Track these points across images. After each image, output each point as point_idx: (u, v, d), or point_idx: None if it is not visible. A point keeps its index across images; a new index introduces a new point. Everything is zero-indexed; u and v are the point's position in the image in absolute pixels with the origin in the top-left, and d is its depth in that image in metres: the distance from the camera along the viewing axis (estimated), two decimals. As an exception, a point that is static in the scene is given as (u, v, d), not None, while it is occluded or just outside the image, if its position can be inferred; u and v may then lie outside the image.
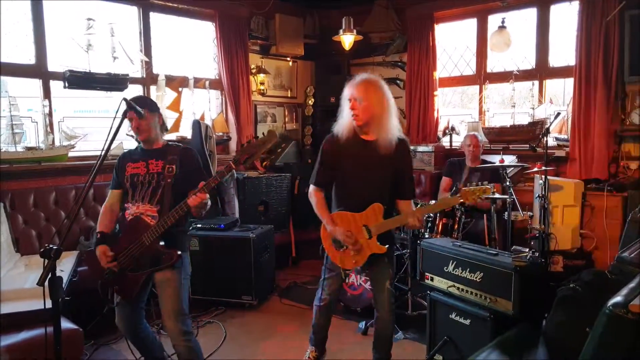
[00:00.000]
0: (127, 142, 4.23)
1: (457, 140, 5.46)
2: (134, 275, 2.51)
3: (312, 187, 2.85)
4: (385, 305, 2.83)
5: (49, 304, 1.85)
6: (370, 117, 2.65)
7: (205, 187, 2.38)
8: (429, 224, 3.96)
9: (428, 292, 3.17)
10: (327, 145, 2.83)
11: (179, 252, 2.51)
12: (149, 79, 4.82)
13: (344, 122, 2.75)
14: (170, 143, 2.71)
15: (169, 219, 2.42)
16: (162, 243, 2.47)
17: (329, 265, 2.89)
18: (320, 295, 2.96)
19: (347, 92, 2.70)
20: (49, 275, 1.82)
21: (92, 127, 4.58)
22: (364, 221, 2.71)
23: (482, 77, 5.40)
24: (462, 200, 2.64)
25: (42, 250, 1.84)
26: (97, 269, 2.55)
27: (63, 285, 1.91)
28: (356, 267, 2.87)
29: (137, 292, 2.54)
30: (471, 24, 5.50)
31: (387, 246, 2.74)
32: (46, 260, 1.83)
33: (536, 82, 5.02)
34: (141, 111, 2.43)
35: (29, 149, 3.99)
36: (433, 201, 4.08)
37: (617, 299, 1.58)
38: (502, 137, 5.04)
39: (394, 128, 2.73)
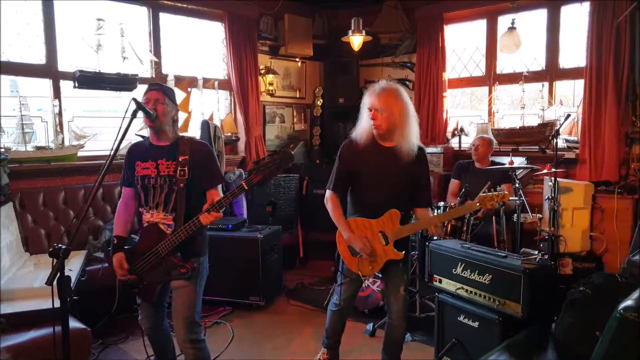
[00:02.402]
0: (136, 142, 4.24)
1: (466, 142, 5.43)
2: (152, 282, 2.50)
3: (328, 193, 2.82)
4: (400, 313, 2.83)
5: (57, 303, 1.85)
6: (392, 126, 2.65)
7: (217, 206, 2.34)
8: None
9: (436, 294, 3.16)
10: (345, 151, 2.81)
11: (194, 264, 2.47)
12: (158, 79, 4.83)
13: (363, 128, 2.74)
14: (181, 137, 2.59)
15: (182, 232, 2.38)
16: (178, 253, 2.44)
17: (344, 271, 2.87)
18: (335, 300, 2.95)
19: (368, 101, 2.68)
20: (58, 275, 1.82)
21: (102, 126, 4.61)
22: (380, 227, 2.71)
23: (491, 78, 5.37)
24: (480, 206, 2.64)
25: (51, 249, 1.84)
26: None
27: (71, 285, 1.91)
28: (373, 273, 2.85)
29: (155, 296, 2.52)
30: (481, 25, 5.47)
31: (403, 252, 2.72)
32: (55, 260, 1.83)
33: (546, 84, 4.98)
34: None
35: (38, 148, 4.02)
36: (441, 203, 4.05)
37: (628, 302, 1.56)
38: (511, 139, 5.01)
39: (414, 136, 2.72)
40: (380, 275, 3.20)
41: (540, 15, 5.04)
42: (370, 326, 3.80)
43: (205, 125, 4.86)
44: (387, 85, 2.71)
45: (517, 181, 3.93)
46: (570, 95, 5.15)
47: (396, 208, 2.69)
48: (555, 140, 3.89)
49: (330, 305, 3.01)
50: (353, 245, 2.70)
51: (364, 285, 4.00)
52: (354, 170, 2.77)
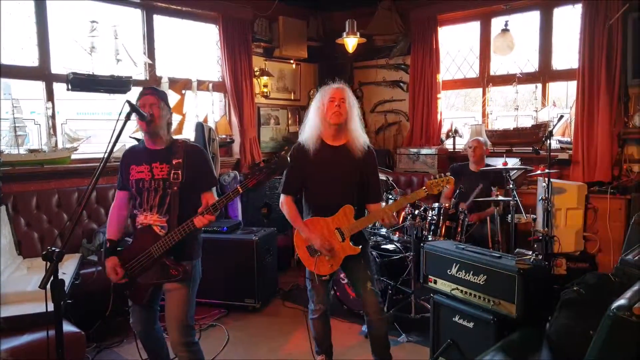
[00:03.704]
0: (130, 144, 4.22)
1: (460, 143, 5.45)
2: (144, 284, 2.50)
3: (283, 197, 2.91)
4: (374, 307, 2.85)
5: (51, 307, 1.84)
6: (347, 119, 2.76)
7: (212, 209, 2.35)
8: (432, 227, 3.95)
9: (431, 295, 3.16)
10: (297, 155, 2.86)
11: (187, 267, 2.47)
12: (153, 82, 4.82)
13: (312, 128, 2.83)
14: (175, 140, 2.60)
15: (176, 235, 2.38)
16: (172, 256, 2.44)
17: (309, 275, 2.91)
18: (312, 307, 2.97)
19: (326, 95, 2.77)
20: (51, 278, 1.81)
21: (95, 129, 4.59)
22: (336, 224, 2.78)
23: (485, 79, 5.39)
24: (427, 192, 2.73)
25: (44, 252, 1.83)
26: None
27: (65, 288, 1.90)
28: (332, 272, 2.87)
29: (147, 298, 2.52)
30: (474, 26, 5.50)
31: (360, 246, 2.80)
32: (48, 263, 1.82)
33: (539, 85, 5.01)
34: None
35: (31, 151, 4.00)
36: (435, 204, 4.06)
37: (621, 301, 1.57)
38: (505, 140, 5.04)
39: (363, 132, 2.87)
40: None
41: (533, 17, 5.07)
42: (365, 327, 3.80)
43: (200, 127, 4.85)
44: (340, 83, 2.86)
45: (511, 182, 3.94)
46: (564, 97, 5.18)
47: (349, 204, 2.77)
48: (548, 141, 3.92)
49: (310, 314, 3.03)
50: (312, 243, 2.76)
51: (343, 281, 4.00)
52: (307, 172, 2.85)
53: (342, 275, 3.93)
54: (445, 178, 2.75)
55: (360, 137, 2.82)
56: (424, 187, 2.76)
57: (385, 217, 2.76)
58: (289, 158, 2.39)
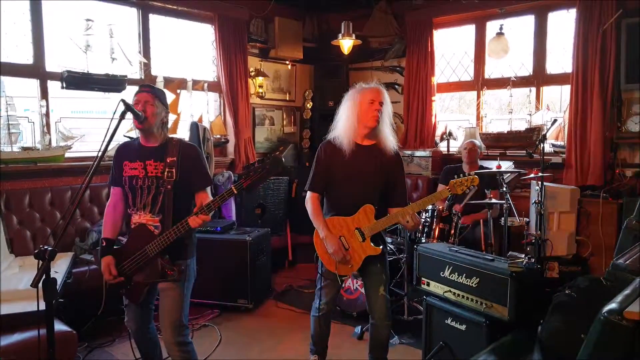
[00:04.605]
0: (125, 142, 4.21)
1: (455, 146, 5.47)
2: (139, 283, 2.49)
3: (309, 194, 2.86)
4: (382, 313, 2.82)
5: (42, 306, 1.83)
6: (383, 121, 2.74)
7: (207, 209, 2.34)
8: (426, 229, 3.96)
9: (424, 297, 3.17)
10: (325, 151, 2.84)
11: (182, 267, 2.46)
12: (148, 81, 4.80)
13: (344, 128, 2.78)
14: (170, 138, 2.58)
15: (171, 235, 2.37)
16: (166, 256, 2.43)
17: (324, 273, 2.87)
18: (318, 304, 2.94)
19: (365, 96, 2.72)
20: (43, 277, 1.80)
21: (90, 128, 4.57)
22: (356, 224, 2.74)
23: (479, 83, 5.41)
24: (450, 192, 2.69)
25: (36, 251, 1.82)
26: None
27: (57, 287, 1.90)
28: (353, 272, 2.86)
29: (142, 297, 2.51)
30: (469, 30, 5.52)
31: (381, 247, 2.77)
32: (40, 262, 1.81)
33: (533, 89, 5.04)
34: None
35: (25, 149, 3.97)
36: (429, 206, 4.08)
37: (612, 305, 1.58)
38: (499, 143, 5.06)
39: (393, 135, 2.84)
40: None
41: (527, 21, 5.10)
42: (358, 329, 3.81)
43: (195, 127, 4.84)
44: (377, 84, 2.81)
45: (505, 185, 3.96)
46: (557, 101, 5.21)
47: (371, 204, 2.74)
48: (542, 145, 3.94)
49: (313, 311, 2.99)
50: (327, 246, 2.73)
51: (348, 285, 4.00)
52: (334, 170, 2.81)
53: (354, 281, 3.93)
54: (470, 177, 2.65)
55: (389, 138, 2.80)
56: (447, 187, 2.70)
57: (408, 218, 2.66)
58: (283, 159, 2.38)
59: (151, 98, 2.46)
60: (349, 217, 2.75)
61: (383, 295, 2.81)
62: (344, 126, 2.79)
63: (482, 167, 4.50)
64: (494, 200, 3.95)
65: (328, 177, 2.83)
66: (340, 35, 5.33)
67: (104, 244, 2.55)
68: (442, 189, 2.75)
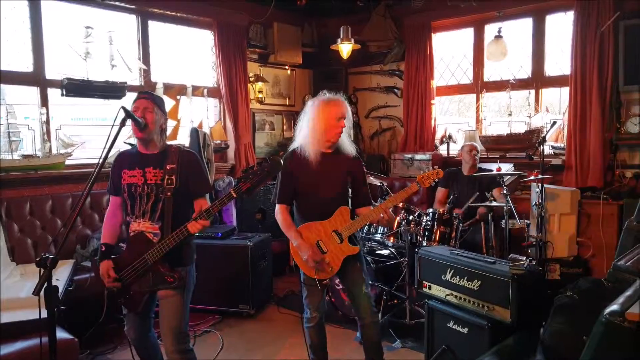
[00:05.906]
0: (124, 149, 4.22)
1: (454, 149, 5.48)
2: (139, 292, 2.48)
3: (278, 206, 2.89)
4: (368, 311, 2.84)
5: (44, 314, 1.83)
6: (344, 132, 2.83)
7: (206, 214, 2.33)
8: (427, 232, 3.96)
9: (426, 300, 3.17)
10: (290, 164, 2.85)
11: (182, 274, 2.45)
12: (147, 87, 4.82)
13: (310, 139, 2.81)
14: (169, 146, 2.58)
15: (170, 241, 2.37)
16: (166, 263, 2.42)
17: (305, 281, 2.89)
18: (308, 315, 2.95)
19: (328, 111, 2.76)
20: (45, 285, 1.80)
21: (90, 135, 4.58)
22: (332, 227, 2.78)
23: (479, 85, 5.42)
24: (419, 186, 2.77)
25: (38, 259, 1.82)
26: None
27: (59, 295, 1.90)
28: (332, 275, 2.87)
29: (142, 306, 2.50)
30: (468, 33, 5.54)
31: (358, 246, 2.82)
32: (42, 270, 1.81)
33: (532, 91, 5.05)
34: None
35: (25, 156, 3.98)
36: (429, 210, 4.08)
37: (614, 307, 1.58)
38: (499, 146, 5.07)
39: (350, 142, 2.94)
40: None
41: (526, 24, 5.11)
42: (360, 333, 3.79)
43: (195, 132, 4.85)
44: (338, 95, 2.87)
45: (505, 188, 3.96)
46: (556, 103, 5.22)
47: (345, 206, 2.80)
48: (541, 147, 3.94)
49: (304, 322, 2.99)
50: (300, 253, 2.76)
51: (338, 287, 3.99)
52: (302, 181, 2.84)
53: (337, 281, 3.92)
54: (435, 170, 2.80)
55: (348, 144, 2.89)
56: (415, 182, 2.78)
57: (382, 213, 2.73)
58: (282, 162, 2.38)
59: (150, 105, 2.46)
60: (325, 221, 2.80)
61: (366, 293, 2.84)
62: (308, 137, 2.82)
63: (481, 170, 4.50)
64: (494, 203, 3.94)
65: (296, 188, 2.87)
66: (339, 39, 5.35)
67: (103, 249, 2.55)
68: (413, 184, 2.80)
